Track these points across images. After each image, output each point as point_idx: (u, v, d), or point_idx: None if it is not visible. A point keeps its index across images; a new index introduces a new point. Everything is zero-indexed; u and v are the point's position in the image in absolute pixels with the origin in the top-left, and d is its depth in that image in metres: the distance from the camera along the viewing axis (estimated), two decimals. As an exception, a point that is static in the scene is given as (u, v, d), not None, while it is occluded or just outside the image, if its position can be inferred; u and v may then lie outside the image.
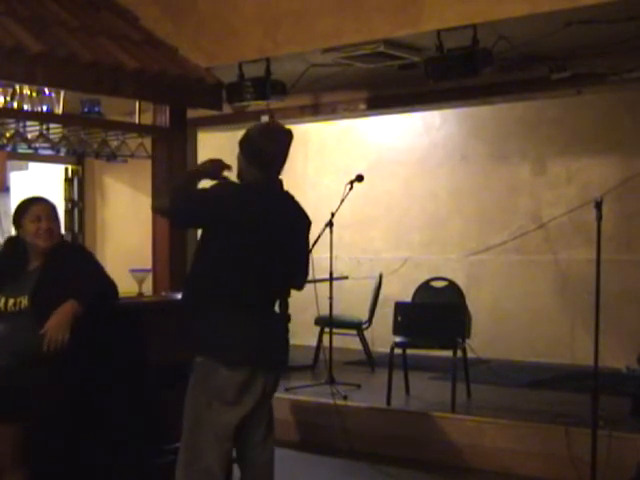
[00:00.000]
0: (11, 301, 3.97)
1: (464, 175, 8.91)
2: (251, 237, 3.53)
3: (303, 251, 3.79)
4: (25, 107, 4.98)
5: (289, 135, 3.66)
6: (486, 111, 8.47)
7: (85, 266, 4.15)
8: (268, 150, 3.61)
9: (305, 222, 3.77)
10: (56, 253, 4.08)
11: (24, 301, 3.95)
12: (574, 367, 7.71)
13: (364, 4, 6.03)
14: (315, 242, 6.27)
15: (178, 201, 3.61)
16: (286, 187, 3.74)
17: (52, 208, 4.16)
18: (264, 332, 3.65)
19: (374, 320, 7.82)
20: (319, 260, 6.43)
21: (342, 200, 6.51)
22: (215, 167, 3.71)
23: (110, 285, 4.17)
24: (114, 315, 4.24)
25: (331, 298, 6.95)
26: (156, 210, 4.15)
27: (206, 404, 3.52)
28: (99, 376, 4.22)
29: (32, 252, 4.11)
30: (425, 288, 7.02)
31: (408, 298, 7.01)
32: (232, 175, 3.73)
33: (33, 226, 4.06)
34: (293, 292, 6.81)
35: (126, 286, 5.38)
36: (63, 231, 9.75)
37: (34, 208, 4.11)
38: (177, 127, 5.48)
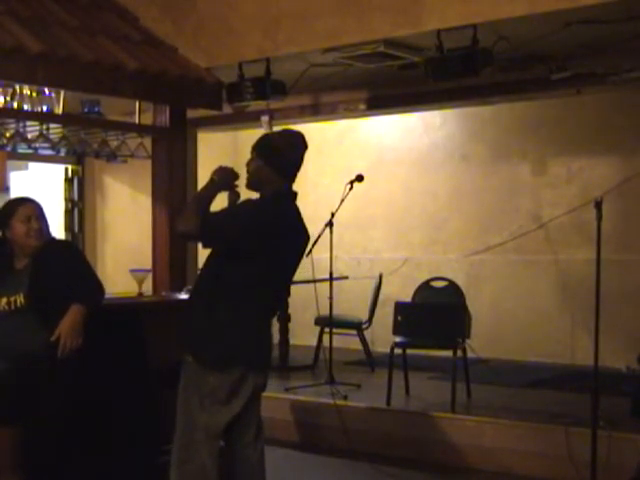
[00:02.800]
0: (4, 300, 3.97)
1: (464, 175, 8.91)
2: (275, 253, 3.57)
3: (299, 264, 3.82)
4: (25, 107, 4.98)
5: (306, 141, 3.71)
6: (486, 111, 8.47)
7: (77, 265, 4.14)
8: (295, 159, 3.67)
9: (307, 238, 3.80)
10: (45, 251, 4.07)
11: (20, 299, 3.95)
12: (574, 367, 7.70)
13: (364, 4, 6.03)
14: (315, 242, 6.28)
15: (208, 224, 3.52)
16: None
17: (39, 207, 4.16)
18: (259, 334, 3.67)
19: (374, 320, 7.82)
20: (319, 260, 6.45)
21: (342, 200, 6.50)
22: (227, 177, 3.67)
23: (101, 285, 4.17)
24: (107, 314, 4.24)
25: (331, 298, 6.95)
26: (182, 234, 3.82)
27: (199, 404, 3.56)
28: (99, 376, 4.22)
29: (19, 251, 4.10)
30: (425, 288, 7.01)
31: (408, 298, 7.00)
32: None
33: (23, 227, 4.05)
34: (293, 292, 6.85)
35: (126, 286, 5.40)
36: (63, 231, 9.76)
37: (22, 209, 4.10)
38: (177, 127, 5.49)
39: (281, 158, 3.63)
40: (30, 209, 4.11)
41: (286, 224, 3.64)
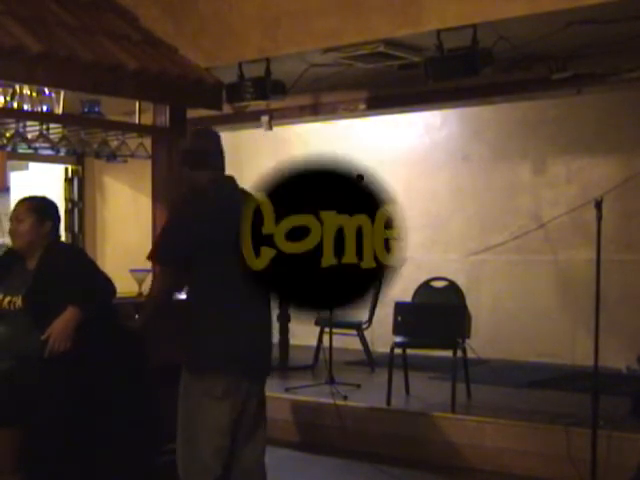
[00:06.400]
0: (7, 299, 3.97)
1: (465, 175, 8.90)
2: (227, 244, 3.50)
3: None
4: (25, 107, 4.98)
5: (217, 134, 3.84)
6: (487, 111, 8.46)
7: (79, 267, 4.14)
8: (209, 149, 3.77)
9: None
10: (49, 254, 4.07)
11: (18, 301, 3.95)
12: (574, 367, 7.69)
13: (364, 4, 6.03)
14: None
15: (163, 256, 3.77)
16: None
17: (26, 209, 4.13)
18: (243, 335, 3.65)
19: (374, 320, 7.82)
20: (319, 260, 6.43)
21: (342, 200, 6.49)
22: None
23: (107, 283, 4.16)
24: (114, 315, 4.24)
25: (331, 298, 6.93)
26: (163, 292, 3.93)
27: (197, 403, 3.60)
28: (99, 376, 4.22)
29: (26, 252, 4.11)
30: (425, 288, 7.01)
31: (408, 298, 6.99)
32: None
33: (11, 227, 4.08)
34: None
35: (126, 286, 5.39)
36: (63, 231, 9.74)
37: (14, 209, 4.13)
38: (177, 127, 5.48)
39: (198, 153, 3.75)
40: (15, 210, 4.12)
41: (223, 210, 3.63)
